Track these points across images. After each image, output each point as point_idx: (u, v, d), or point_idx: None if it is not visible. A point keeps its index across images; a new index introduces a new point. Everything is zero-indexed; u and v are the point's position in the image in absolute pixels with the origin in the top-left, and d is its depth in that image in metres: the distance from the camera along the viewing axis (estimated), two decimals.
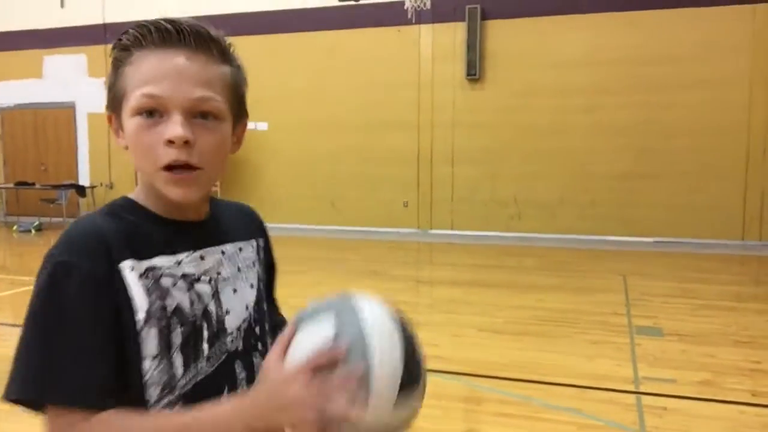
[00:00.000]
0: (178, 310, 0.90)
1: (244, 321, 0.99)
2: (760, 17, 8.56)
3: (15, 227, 11.28)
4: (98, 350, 0.83)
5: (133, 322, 0.85)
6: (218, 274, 0.97)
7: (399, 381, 0.82)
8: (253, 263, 1.06)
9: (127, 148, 0.91)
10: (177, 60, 0.87)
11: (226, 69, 0.93)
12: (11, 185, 12.17)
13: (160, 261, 0.90)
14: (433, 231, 10.12)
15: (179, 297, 0.90)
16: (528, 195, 9.63)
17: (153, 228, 0.92)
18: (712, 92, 8.76)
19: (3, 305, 6.07)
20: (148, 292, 0.87)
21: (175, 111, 0.86)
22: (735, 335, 4.80)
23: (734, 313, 5.48)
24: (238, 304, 0.99)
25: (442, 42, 9.91)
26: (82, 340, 0.82)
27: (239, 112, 0.97)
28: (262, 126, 10.53)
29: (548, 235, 9.43)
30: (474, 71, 9.65)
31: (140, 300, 0.86)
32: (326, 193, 10.59)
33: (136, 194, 0.96)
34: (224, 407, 0.83)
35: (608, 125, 9.20)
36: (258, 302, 1.04)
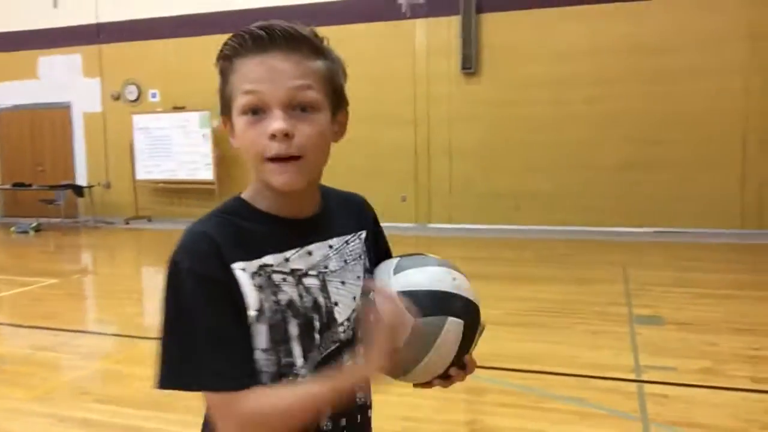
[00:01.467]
0: (291, 303, 0.98)
1: (353, 312, 1.05)
2: (757, 6, 8.54)
3: (13, 228, 11.26)
4: (226, 339, 0.92)
5: (246, 317, 0.94)
6: (326, 267, 1.04)
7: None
8: (360, 255, 1.11)
9: (239, 148, 0.99)
10: (273, 61, 0.94)
11: (319, 63, 0.98)
12: (8, 186, 12.16)
13: (270, 259, 0.97)
14: (432, 225, 10.12)
15: (290, 291, 0.98)
16: (526, 187, 9.62)
17: (263, 227, 0.99)
18: (710, 82, 8.75)
19: (2, 306, 6.06)
20: (261, 289, 0.95)
21: (275, 107, 0.93)
22: (735, 323, 4.81)
23: (734, 300, 5.48)
24: (346, 296, 1.05)
25: (437, 36, 9.88)
26: (210, 333, 0.91)
27: (338, 101, 1.03)
28: None
29: (547, 227, 9.43)
30: (469, 65, 9.63)
31: (252, 298, 0.94)
32: None
33: (248, 194, 1.03)
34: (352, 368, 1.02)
35: (606, 116, 9.19)
36: (364, 293, 1.08)
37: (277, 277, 0.97)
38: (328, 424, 1.02)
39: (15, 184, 11.98)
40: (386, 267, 1.12)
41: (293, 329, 0.97)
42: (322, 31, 1.04)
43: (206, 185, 10.92)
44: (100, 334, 5.13)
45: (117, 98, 11.74)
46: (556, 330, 4.74)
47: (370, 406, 1.12)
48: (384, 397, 3.37)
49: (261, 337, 0.95)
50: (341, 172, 10.92)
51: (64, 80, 12.08)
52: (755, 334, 4.52)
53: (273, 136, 0.93)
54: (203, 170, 10.95)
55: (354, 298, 1.07)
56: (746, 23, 8.58)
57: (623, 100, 9.09)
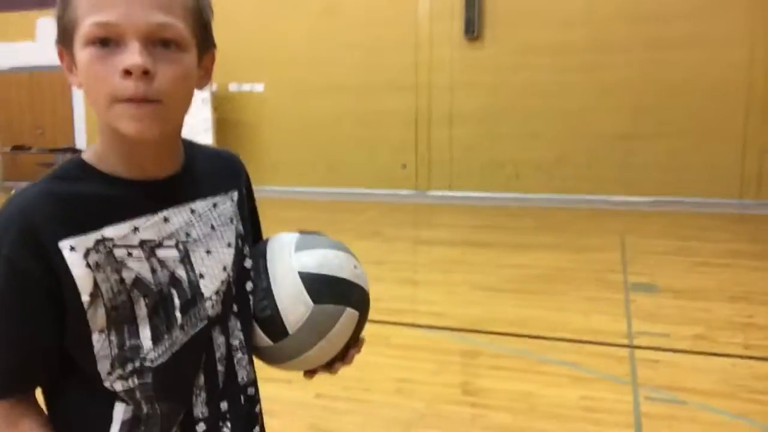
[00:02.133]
0: (138, 281, 0.84)
1: (222, 283, 0.92)
2: None
3: (13, 192, 11.25)
4: (17, 341, 0.81)
5: (79, 302, 0.80)
6: (187, 235, 0.89)
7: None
8: (231, 219, 0.97)
9: (80, 86, 0.82)
10: None
11: None
12: (7, 149, 12.14)
13: (111, 231, 0.83)
14: (432, 192, 10.13)
15: (137, 267, 0.84)
16: (526, 155, 9.60)
17: (106, 193, 0.84)
18: (711, 50, 8.68)
19: None
20: (98, 267, 0.81)
21: (131, 39, 0.76)
22: (730, 291, 4.85)
23: (730, 269, 5.53)
24: (213, 267, 0.92)
25: None
26: (6, 332, 0.81)
27: (205, 41, 0.86)
28: (259, 87, 10.45)
29: (546, 195, 9.44)
30: (472, 29, 9.53)
31: (84, 280, 0.80)
32: (324, 155, 10.56)
33: (92, 153, 0.87)
34: None
35: (608, 84, 9.13)
36: (237, 262, 0.96)
37: (119, 253, 0.83)
38: (204, 411, 0.92)
39: (14, 148, 11.96)
40: (285, 242, 1.02)
41: (140, 310, 0.84)
42: None
43: None
44: None
45: None
46: (552, 296, 4.79)
47: (252, 384, 1.01)
48: (378, 358, 3.43)
49: (98, 319, 0.81)
50: (341, 138, 10.96)
51: None
52: (750, 302, 4.57)
53: (128, 73, 0.76)
54: (202, 134, 10.90)
55: (224, 268, 0.93)
56: None
57: (625, 68, 9.01)
